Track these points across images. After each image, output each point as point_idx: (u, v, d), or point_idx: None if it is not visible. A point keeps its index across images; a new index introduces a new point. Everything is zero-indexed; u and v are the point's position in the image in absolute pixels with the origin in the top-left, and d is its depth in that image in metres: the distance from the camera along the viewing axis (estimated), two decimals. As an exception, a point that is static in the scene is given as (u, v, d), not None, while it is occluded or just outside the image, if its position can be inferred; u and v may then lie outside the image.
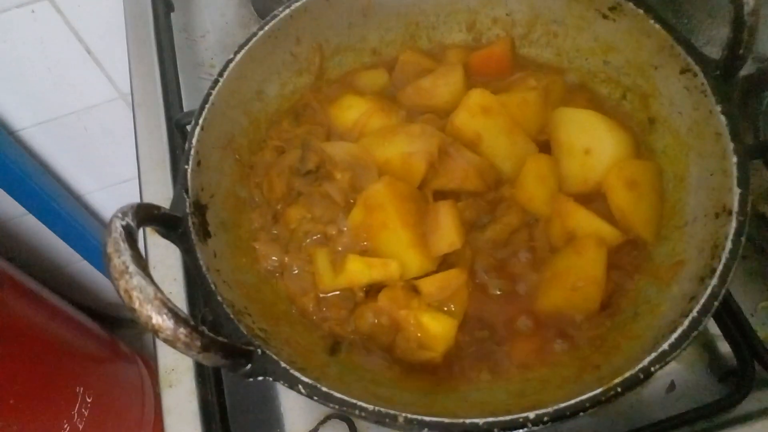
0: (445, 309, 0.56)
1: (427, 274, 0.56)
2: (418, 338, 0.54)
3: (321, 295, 0.57)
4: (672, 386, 0.63)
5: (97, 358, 1.65)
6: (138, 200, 1.53)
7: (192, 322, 0.42)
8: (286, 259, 0.59)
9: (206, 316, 0.63)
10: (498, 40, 0.68)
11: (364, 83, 0.68)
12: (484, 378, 0.52)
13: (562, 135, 0.59)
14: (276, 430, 0.65)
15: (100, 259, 1.53)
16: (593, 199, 0.57)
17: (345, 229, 0.58)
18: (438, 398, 0.51)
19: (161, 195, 0.76)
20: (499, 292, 0.56)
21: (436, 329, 0.54)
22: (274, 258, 0.59)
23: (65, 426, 1.46)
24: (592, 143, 0.57)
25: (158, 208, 0.50)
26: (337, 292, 0.57)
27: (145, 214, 0.47)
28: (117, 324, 1.90)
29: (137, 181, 1.56)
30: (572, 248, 0.55)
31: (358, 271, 0.55)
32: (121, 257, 0.41)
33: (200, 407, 0.63)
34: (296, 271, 0.58)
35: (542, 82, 0.61)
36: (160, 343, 0.67)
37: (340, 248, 0.57)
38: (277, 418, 0.66)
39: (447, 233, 0.56)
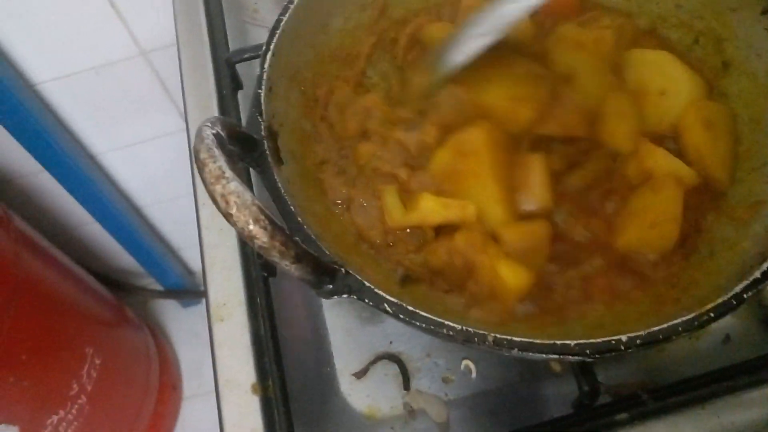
0: (524, 260, 0.55)
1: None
2: (492, 286, 0.53)
3: (388, 231, 0.57)
4: (727, 339, 0.63)
5: (106, 322, 1.64)
6: (152, 166, 1.52)
7: (288, 231, 0.41)
8: (353, 192, 0.58)
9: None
10: None
11: (429, 36, 0.67)
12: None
13: (636, 76, 0.58)
14: (326, 367, 0.65)
15: (112, 222, 1.54)
16: (665, 141, 0.57)
17: (421, 171, 0.57)
18: (513, 329, 0.51)
19: (208, 135, 0.75)
20: (581, 239, 0.56)
21: (512, 281, 0.53)
22: (342, 191, 0.58)
23: (74, 385, 1.45)
24: (667, 84, 0.57)
25: (239, 125, 0.49)
26: (407, 230, 0.56)
27: (229, 130, 0.46)
28: (123, 290, 1.88)
29: (152, 143, 1.57)
30: (649, 187, 0.54)
31: (432, 209, 0.54)
32: (216, 162, 0.41)
33: (252, 341, 0.62)
34: (364, 205, 0.57)
35: (615, 21, 0.60)
36: (210, 277, 0.66)
37: (414, 187, 0.56)
38: (327, 357, 0.65)
39: (539, 192, 0.55)
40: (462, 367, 0.63)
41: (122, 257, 1.81)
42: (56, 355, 1.40)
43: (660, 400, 0.56)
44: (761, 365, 0.58)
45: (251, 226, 0.40)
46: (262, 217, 0.40)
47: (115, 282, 1.85)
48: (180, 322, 2.00)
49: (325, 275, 0.45)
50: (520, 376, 0.62)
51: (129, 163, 1.60)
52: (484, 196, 0.55)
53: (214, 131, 0.43)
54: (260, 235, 0.40)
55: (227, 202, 0.40)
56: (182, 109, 1.48)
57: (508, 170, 0.55)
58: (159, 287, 1.94)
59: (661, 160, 0.55)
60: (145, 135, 1.54)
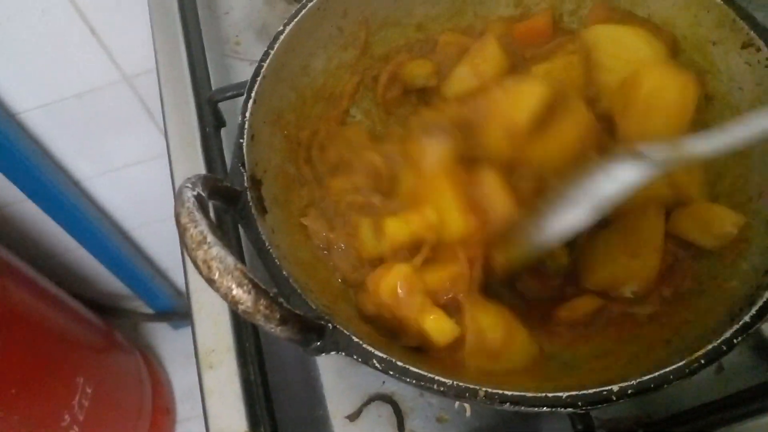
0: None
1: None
2: (421, 338, 0.52)
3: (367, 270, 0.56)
4: (720, 368, 0.63)
5: (96, 349, 1.63)
6: (138, 188, 1.51)
7: (271, 294, 0.40)
8: (332, 236, 0.58)
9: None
10: (540, 11, 0.67)
11: (409, 73, 0.66)
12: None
13: (597, 55, 0.59)
14: (319, 411, 0.64)
15: (98, 247, 1.52)
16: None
17: (392, 198, 0.57)
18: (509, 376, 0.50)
19: (192, 173, 0.73)
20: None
21: (437, 336, 0.51)
22: (323, 234, 0.58)
23: (66, 417, 1.44)
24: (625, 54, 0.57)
25: (221, 180, 0.48)
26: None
27: (210, 187, 0.46)
28: (113, 314, 1.87)
29: (137, 166, 1.55)
30: (627, 212, 0.54)
31: (396, 229, 0.53)
32: (197, 227, 0.40)
33: (243, 388, 0.61)
34: (342, 247, 0.57)
35: (577, 44, 0.60)
36: (198, 323, 0.65)
37: (386, 214, 0.55)
38: (319, 399, 0.65)
39: (499, 198, 0.54)
40: (456, 405, 0.62)
41: (110, 281, 1.80)
42: (46, 387, 1.38)
43: (655, 435, 0.56)
44: (756, 395, 0.58)
45: (234, 291, 0.39)
46: (246, 282, 0.39)
47: (103, 306, 1.83)
48: (171, 345, 1.98)
49: (312, 332, 0.44)
50: (514, 414, 0.61)
51: (114, 188, 1.59)
52: (445, 207, 0.54)
53: (194, 192, 0.43)
54: (244, 300, 0.39)
55: (209, 268, 0.39)
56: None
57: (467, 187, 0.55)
58: (149, 310, 1.93)
59: None
60: (129, 159, 1.53)
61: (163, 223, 1.73)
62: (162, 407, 1.82)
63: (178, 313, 1.95)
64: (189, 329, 1.94)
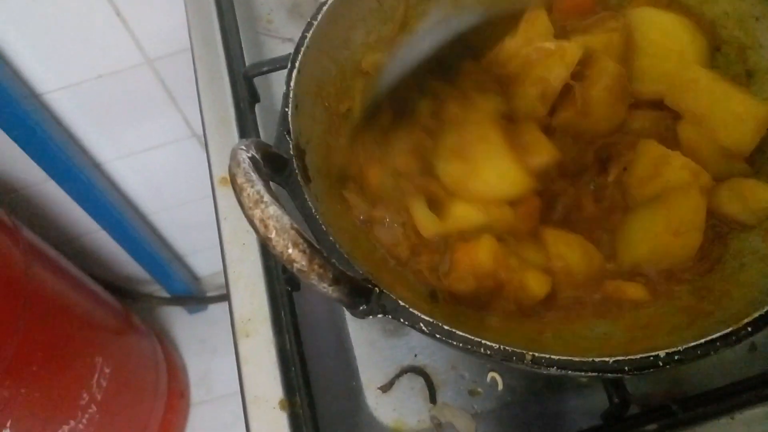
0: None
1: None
2: (518, 299, 0.54)
3: (414, 246, 0.57)
4: (753, 347, 0.63)
5: (114, 330, 1.64)
6: (158, 173, 1.52)
7: (325, 254, 0.41)
8: (375, 212, 0.58)
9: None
10: None
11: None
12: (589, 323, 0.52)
13: (639, 37, 0.59)
14: (352, 381, 0.65)
15: (118, 230, 1.54)
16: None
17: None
18: (546, 343, 0.51)
19: (227, 148, 0.74)
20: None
21: (537, 290, 0.54)
22: (363, 208, 0.58)
23: (84, 395, 1.45)
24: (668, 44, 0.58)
25: (270, 146, 0.49)
26: (432, 244, 0.56)
27: (262, 152, 0.46)
28: (130, 297, 1.88)
29: (158, 150, 1.56)
30: (670, 192, 0.54)
31: (464, 214, 0.55)
32: (254, 186, 0.41)
33: (278, 356, 0.62)
34: (387, 222, 0.58)
35: (621, 22, 0.60)
36: (234, 293, 0.66)
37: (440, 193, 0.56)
38: (352, 371, 0.65)
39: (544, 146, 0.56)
40: (488, 379, 0.63)
41: (128, 265, 1.81)
42: (66, 366, 1.40)
43: (689, 410, 0.56)
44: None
45: (290, 250, 0.40)
46: (301, 241, 0.40)
47: (121, 289, 1.85)
48: (186, 329, 2.00)
49: (360, 296, 0.45)
50: (547, 388, 0.62)
51: (135, 171, 1.59)
52: (497, 160, 0.56)
53: (249, 154, 0.43)
54: (299, 259, 0.40)
55: (266, 227, 0.40)
56: (187, 116, 1.48)
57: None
58: (165, 294, 1.94)
59: (679, 165, 0.54)
60: (150, 142, 1.54)
61: (181, 208, 1.75)
62: (177, 390, 1.84)
63: (194, 297, 1.96)
64: (204, 314, 1.97)
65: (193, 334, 1.99)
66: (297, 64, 0.55)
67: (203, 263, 1.99)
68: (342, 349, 0.66)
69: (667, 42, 0.59)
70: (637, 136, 0.59)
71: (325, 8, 0.58)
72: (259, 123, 0.75)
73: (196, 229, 1.81)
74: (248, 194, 0.41)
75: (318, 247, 0.41)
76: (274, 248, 0.40)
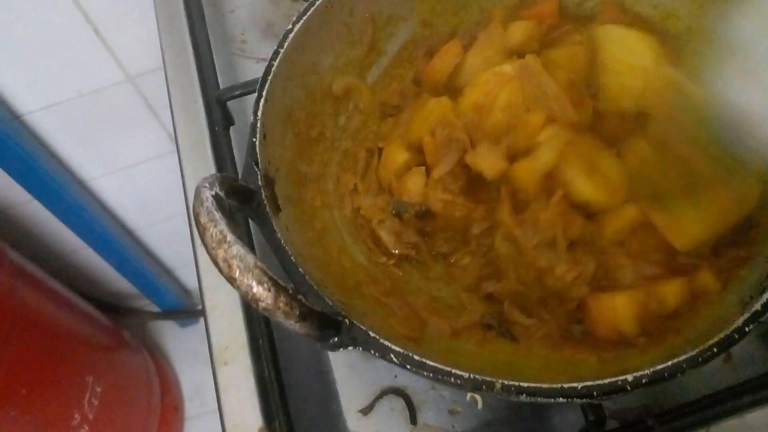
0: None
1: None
2: None
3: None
4: (729, 356, 0.63)
5: (105, 348, 1.64)
6: (143, 188, 1.51)
7: (290, 291, 0.41)
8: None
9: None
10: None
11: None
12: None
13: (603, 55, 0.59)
14: (332, 405, 0.65)
15: (105, 247, 1.53)
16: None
17: None
18: (519, 367, 0.51)
19: (202, 172, 0.75)
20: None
21: None
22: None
23: (76, 416, 1.45)
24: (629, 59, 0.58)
25: (235, 179, 0.49)
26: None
27: (227, 186, 0.46)
28: (120, 313, 1.88)
29: (143, 165, 1.56)
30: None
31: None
32: (217, 226, 0.41)
33: (257, 384, 0.62)
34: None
35: (584, 35, 0.61)
36: (211, 320, 0.66)
37: None
38: (332, 394, 0.65)
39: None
40: (468, 398, 0.63)
41: (117, 281, 1.80)
42: (57, 387, 1.39)
43: (665, 424, 0.56)
44: (765, 384, 0.58)
45: (255, 290, 0.40)
46: (266, 279, 0.40)
47: (110, 306, 1.84)
48: (178, 343, 1.99)
49: (330, 328, 0.45)
50: (526, 406, 0.62)
51: (120, 187, 1.59)
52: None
53: (212, 192, 0.43)
54: (264, 298, 0.40)
55: (230, 266, 0.40)
56: (171, 132, 1.48)
57: None
58: (155, 309, 1.94)
59: None
60: (135, 158, 1.54)
61: (168, 222, 1.74)
62: (170, 405, 1.83)
63: (185, 311, 1.96)
64: (196, 327, 1.95)
65: (186, 348, 1.99)
66: (264, 93, 0.55)
67: (193, 276, 1.98)
68: (321, 372, 0.66)
69: (631, 59, 0.59)
70: None
71: (291, 35, 0.58)
72: (234, 145, 0.75)
73: (184, 243, 1.80)
74: (211, 234, 0.41)
75: (283, 284, 0.41)
76: (238, 288, 0.40)
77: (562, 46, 0.62)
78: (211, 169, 0.74)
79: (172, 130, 1.47)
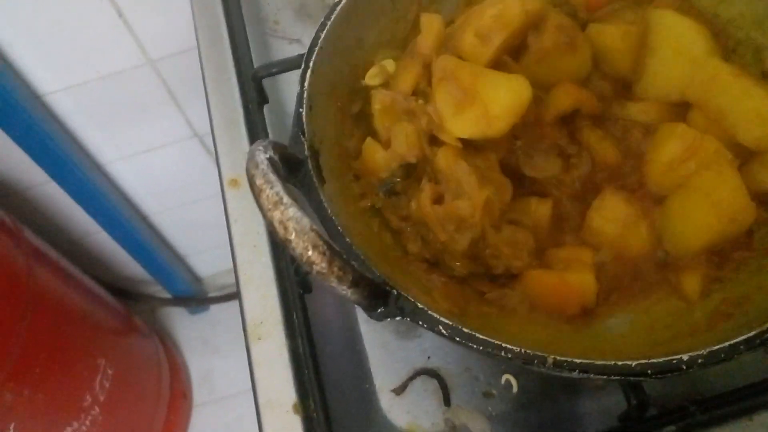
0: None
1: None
2: None
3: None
4: (768, 348, 0.63)
5: (116, 332, 1.63)
6: (159, 173, 1.51)
7: (345, 256, 0.40)
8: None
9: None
10: None
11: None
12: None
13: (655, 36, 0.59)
14: (365, 384, 0.64)
15: (119, 231, 1.53)
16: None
17: None
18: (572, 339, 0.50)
19: (236, 150, 0.74)
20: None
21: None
22: None
23: (87, 397, 1.45)
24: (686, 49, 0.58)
25: (285, 147, 0.48)
26: None
27: (279, 153, 0.46)
28: (131, 298, 1.87)
29: (160, 151, 1.56)
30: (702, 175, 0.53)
31: None
32: (273, 188, 0.40)
33: (291, 360, 0.62)
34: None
35: (638, 14, 0.60)
36: (245, 295, 0.65)
37: None
38: (365, 373, 0.65)
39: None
40: (503, 381, 0.62)
41: (129, 265, 1.80)
42: (69, 368, 1.39)
43: (707, 412, 0.56)
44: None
45: (310, 253, 0.39)
46: (321, 243, 0.40)
47: (122, 290, 1.84)
48: (188, 330, 1.99)
49: (378, 298, 0.44)
50: (562, 390, 0.61)
51: (136, 172, 1.59)
52: None
53: (267, 155, 0.43)
54: (319, 261, 0.40)
55: (286, 228, 0.40)
56: (189, 117, 1.48)
57: None
58: (166, 295, 1.93)
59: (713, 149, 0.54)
60: (152, 143, 1.53)
61: (182, 209, 1.74)
62: (179, 391, 1.83)
63: (196, 298, 1.95)
64: (206, 315, 1.96)
65: (195, 335, 1.99)
66: (311, 64, 0.55)
67: (205, 264, 1.98)
68: (354, 351, 0.65)
69: (681, 46, 0.58)
70: (645, 127, 0.59)
71: (338, 8, 0.57)
72: (267, 125, 0.74)
73: (198, 230, 1.81)
74: (267, 196, 0.40)
75: (338, 249, 0.40)
76: (293, 250, 0.40)
77: (615, 22, 0.61)
78: (245, 146, 0.74)
79: (190, 117, 1.48)
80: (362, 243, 0.52)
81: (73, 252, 1.70)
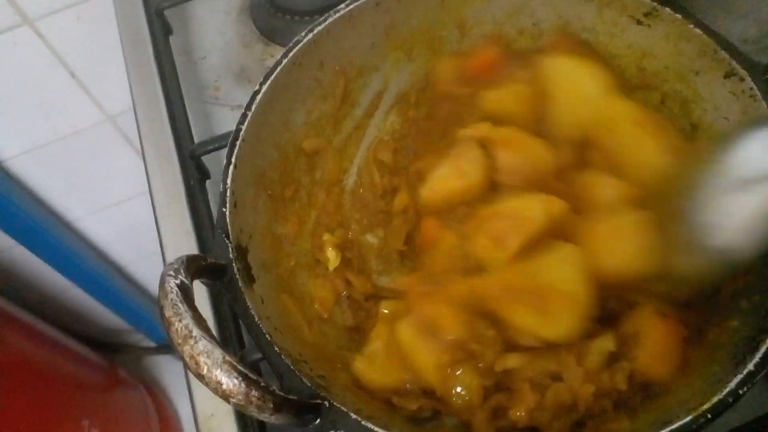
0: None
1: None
2: None
3: None
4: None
5: (100, 388, 1.61)
6: (129, 223, 1.49)
7: (262, 383, 0.39)
8: None
9: (245, 357, 0.60)
10: (484, 43, 0.66)
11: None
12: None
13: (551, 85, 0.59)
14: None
15: (94, 285, 1.51)
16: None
17: None
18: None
19: (179, 228, 0.73)
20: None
21: None
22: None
23: (72, 460, 1.42)
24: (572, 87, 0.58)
25: (204, 258, 0.47)
26: None
27: (195, 268, 0.45)
28: (114, 350, 1.85)
29: (128, 203, 1.54)
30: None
31: None
32: (182, 321, 0.39)
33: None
34: None
35: (529, 73, 0.60)
36: (195, 388, 0.64)
37: None
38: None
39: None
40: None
41: (110, 317, 1.79)
42: (51, 435, 1.37)
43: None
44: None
45: (224, 386, 0.38)
46: (235, 375, 0.38)
47: (104, 343, 1.82)
48: (176, 376, 1.97)
49: (310, 413, 0.43)
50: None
51: (106, 225, 1.58)
52: None
53: (177, 281, 0.41)
54: (235, 393, 0.38)
55: (197, 363, 0.38)
56: (154, 168, 1.46)
57: None
58: (151, 343, 1.92)
59: None
60: (119, 196, 1.52)
61: (157, 256, 1.71)
62: (170, 439, 1.81)
63: (180, 343, 1.93)
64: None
65: (184, 381, 1.96)
66: (233, 159, 0.53)
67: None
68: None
69: (578, 90, 0.58)
70: None
71: (259, 96, 0.56)
72: (210, 199, 0.73)
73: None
74: (176, 329, 0.39)
75: (254, 377, 0.39)
76: (207, 384, 0.39)
77: (506, 85, 0.61)
78: (188, 224, 0.72)
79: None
80: (295, 342, 0.51)
81: (50, 311, 1.67)
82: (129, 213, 1.56)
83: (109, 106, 1.30)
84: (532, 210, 0.51)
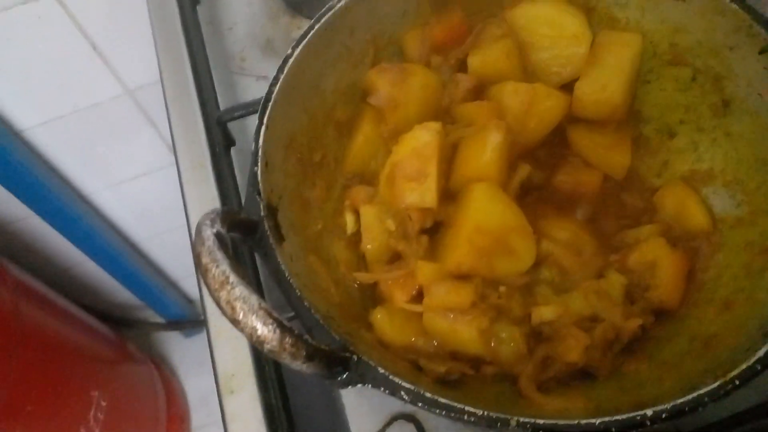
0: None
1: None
2: None
3: None
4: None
5: (109, 361, 1.63)
6: (145, 200, 1.51)
7: (296, 332, 0.40)
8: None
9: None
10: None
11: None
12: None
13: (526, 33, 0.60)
14: (342, 432, 0.64)
15: (107, 260, 1.52)
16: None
17: None
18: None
19: (204, 194, 0.73)
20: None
21: None
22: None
23: (81, 431, 1.43)
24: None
25: (237, 212, 0.48)
26: None
27: (230, 221, 0.45)
28: (124, 325, 1.87)
29: (144, 178, 1.55)
30: None
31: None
32: (219, 267, 0.39)
33: (265, 413, 0.61)
34: None
35: (504, 28, 0.61)
36: (217, 348, 0.64)
37: None
38: (342, 421, 0.64)
39: None
40: (482, 424, 0.62)
41: (120, 292, 1.80)
42: (62, 403, 1.38)
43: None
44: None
45: (259, 331, 0.39)
46: (270, 321, 0.39)
47: (114, 318, 1.83)
48: (183, 353, 1.98)
49: (338, 365, 0.44)
50: None
51: (122, 200, 1.58)
52: None
53: (214, 230, 0.42)
54: (269, 340, 0.39)
55: (233, 309, 0.39)
56: (171, 143, 1.47)
57: None
58: (160, 319, 1.93)
59: None
60: (135, 171, 1.53)
61: (170, 234, 1.73)
62: (177, 416, 1.83)
63: (190, 321, 1.95)
64: (201, 337, 1.94)
65: (191, 358, 1.98)
66: (265, 120, 0.54)
67: (196, 286, 1.97)
68: (330, 399, 0.65)
69: (556, 31, 0.60)
70: None
71: (291, 60, 0.56)
72: (235, 166, 0.74)
73: (189, 254, 1.80)
74: (213, 275, 0.39)
75: (288, 324, 0.39)
76: (242, 330, 0.39)
77: (490, 45, 0.61)
78: (213, 190, 0.73)
79: (171, 143, 1.47)
80: (324, 300, 0.52)
81: (62, 283, 1.69)
82: (145, 189, 1.57)
83: (129, 80, 1.30)
84: (423, 137, 0.55)
